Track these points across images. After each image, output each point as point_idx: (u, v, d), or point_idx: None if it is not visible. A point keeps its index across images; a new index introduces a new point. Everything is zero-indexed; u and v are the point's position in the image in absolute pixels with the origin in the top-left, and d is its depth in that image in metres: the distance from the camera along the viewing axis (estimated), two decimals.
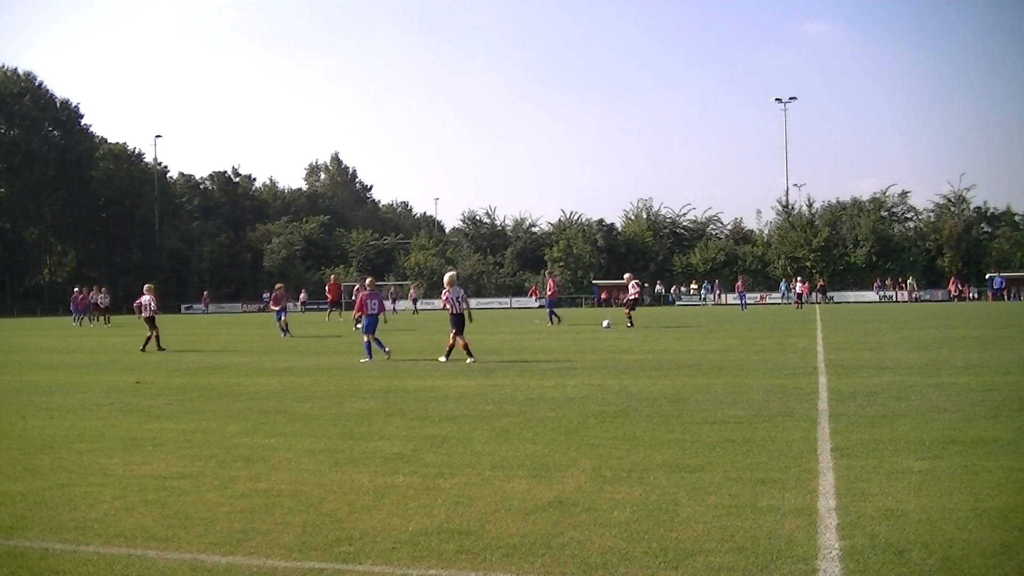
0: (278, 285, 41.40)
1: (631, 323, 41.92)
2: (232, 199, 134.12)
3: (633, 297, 43.98)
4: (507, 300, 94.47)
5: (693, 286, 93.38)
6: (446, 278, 25.00)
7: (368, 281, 26.92)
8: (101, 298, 58.95)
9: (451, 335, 24.23)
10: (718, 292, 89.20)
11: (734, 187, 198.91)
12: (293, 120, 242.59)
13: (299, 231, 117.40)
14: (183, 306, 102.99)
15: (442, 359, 24.08)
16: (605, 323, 43.33)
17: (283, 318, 38.52)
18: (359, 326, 26.76)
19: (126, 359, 27.42)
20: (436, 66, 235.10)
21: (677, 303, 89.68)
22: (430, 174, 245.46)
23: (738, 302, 70.62)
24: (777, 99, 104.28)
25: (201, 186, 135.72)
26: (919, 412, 13.07)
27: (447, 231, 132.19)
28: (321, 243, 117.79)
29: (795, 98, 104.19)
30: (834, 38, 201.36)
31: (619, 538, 7.11)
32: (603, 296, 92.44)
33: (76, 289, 60.59)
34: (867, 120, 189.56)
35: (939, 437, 11.03)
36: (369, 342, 25.24)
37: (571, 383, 17.94)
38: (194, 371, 22.84)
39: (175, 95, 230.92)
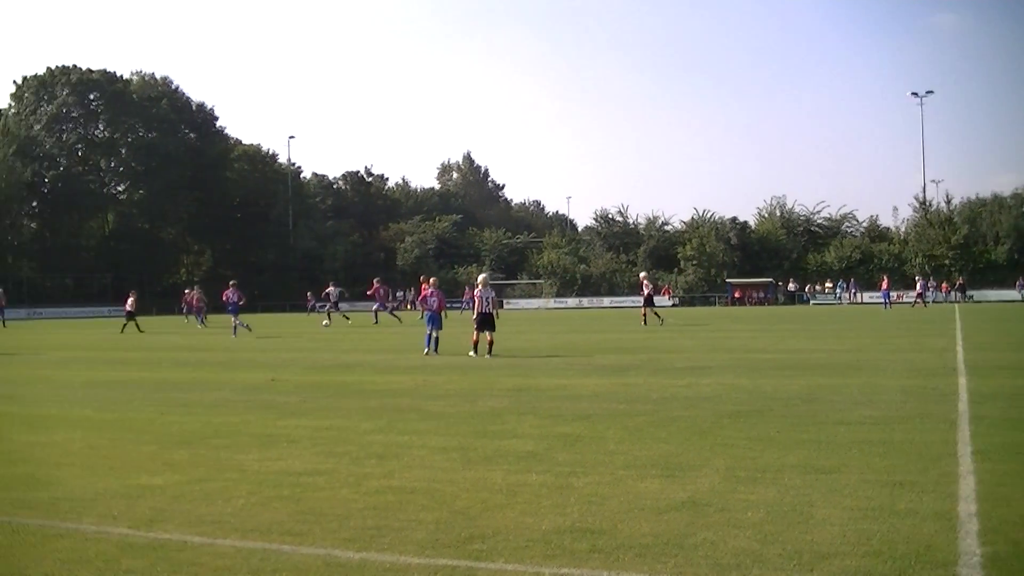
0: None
1: (646, 321, 42.93)
2: (365, 199, 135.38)
3: (647, 294, 45.44)
4: (640, 299, 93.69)
5: (828, 284, 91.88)
6: (480, 279, 26.97)
7: (432, 280, 28.83)
8: (199, 297, 59.14)
9: (476, 331, 25.91)
10: (854, 291, 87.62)
11: (870, 184, 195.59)
12: (425, 120, 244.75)
13: (431, 230, 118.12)
14: (318, 305, 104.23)
15: (473, 353, 25.49)
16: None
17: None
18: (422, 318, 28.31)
19: (261, 357, 27.83)
20: (568, 64, 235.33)
21: (812, 302, 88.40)
22: (562, 173, 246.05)
23: (881, 300, 69.45)
24: (913, 93, 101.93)
25: (334, 186, 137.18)
26: None
27: (579, 229, 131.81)
28: (453, 242, 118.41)
29: (931, 92, 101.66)
30: (965, 28, 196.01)
31: (752, 539, 7.03)
32: (736, 295, 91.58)
33: (186, 292, 61.70)
34: (1007, 113, 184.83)
35: None
36: (430, 335, 26.42)
37: (704, 382, 17.80)
38: (328, 369, 23.13)
39: (308, 97, 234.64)
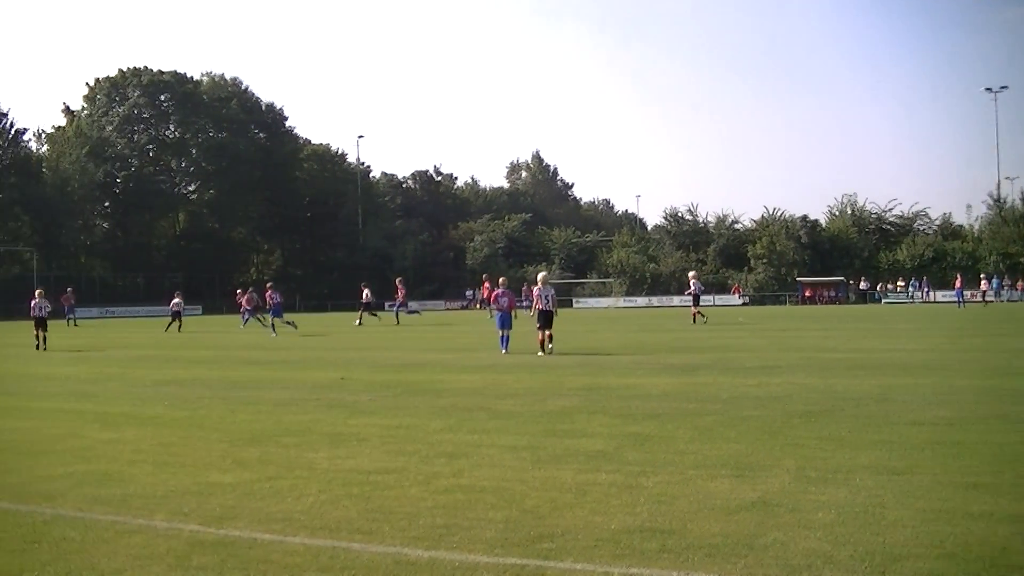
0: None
1: (701, 318, 44.58)
2: (434, 198, 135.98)
3: (694, 292, 46.79)
4: (710, 298, 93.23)
5: (900, 283, 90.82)
6: (540, 277, 27.82)
7: (502, 280, 29.76)
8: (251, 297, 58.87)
9: (539, 330, 26.30)
10: (926, 289, 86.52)
11: (942, 181, 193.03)
12: (494, 119, 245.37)
13: (501, 229, 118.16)
14: (386, 303, 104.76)
15: (541, 353, 25.67)
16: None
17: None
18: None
19: (330, 356, 27.99)
20: (635, 63, 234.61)
21: (883, 301, 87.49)
22: (631, 171, 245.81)
23: (955, 299, 68.50)
24: (987, 89, 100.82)
25: (403, 185, 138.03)
26: None
27: (649, 228, 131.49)
28: (523, 241, 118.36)
29: (1006, 87, 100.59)
30: None
31: (823, 540, 6.98)
32: (807, 294, 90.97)
33: (238, 292, 61.80)
34: None
35: None
36: (503, 336, 26.88)
37: (774, 381, 17.67)
38: (397, 368, 23.19)
39: (377, 96, 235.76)
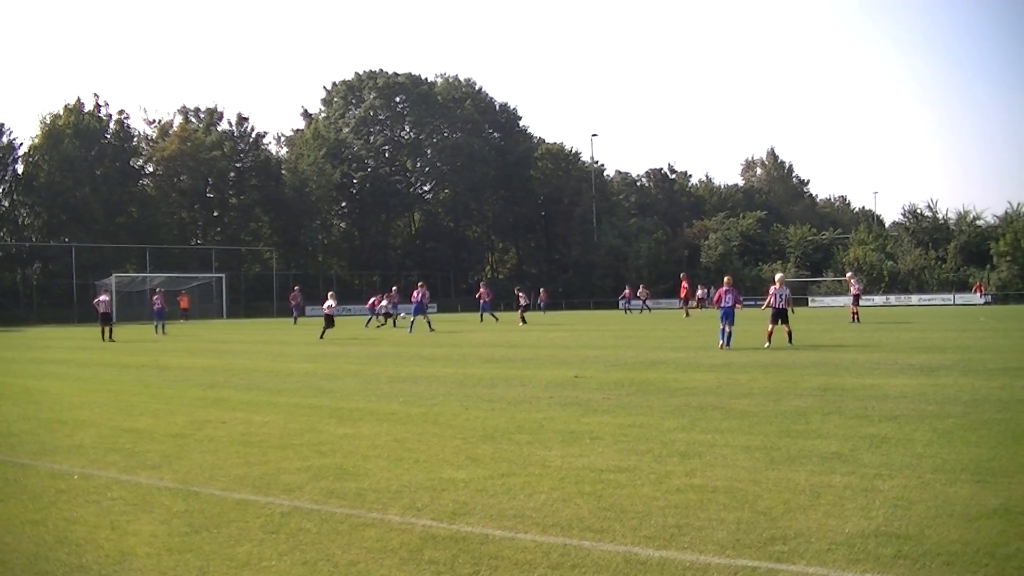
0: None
1: (857, 319, 45.52)
2: (668, 196, 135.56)
3: (855, 292, 48.19)
4: (950, 296, 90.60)
5: None
6: (777, 277, 30.16)
7: (727, 279, 30.86)
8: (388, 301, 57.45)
9: (770, 324, 28.94)
10: None
11: None
12: (728, 115, 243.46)
13: (736, 227, 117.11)
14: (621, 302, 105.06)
15: (767, 344, 28.20)
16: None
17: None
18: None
19: (564, 354, 28.13)
20: (872, 59, 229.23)
21: None
22: (868, 167, 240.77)
23: None
24: None
25: (637, 183, 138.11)
26: None
27: (887, 225, 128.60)
28: (758, 239, 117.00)
29: None
30: None
31: None
32: None
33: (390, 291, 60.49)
34: None
35: None
36: (723, 329, 28.73)
37: (1019, 384, 17.07)
38: (631, 366, 23.22)
39: (610, 94, 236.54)
